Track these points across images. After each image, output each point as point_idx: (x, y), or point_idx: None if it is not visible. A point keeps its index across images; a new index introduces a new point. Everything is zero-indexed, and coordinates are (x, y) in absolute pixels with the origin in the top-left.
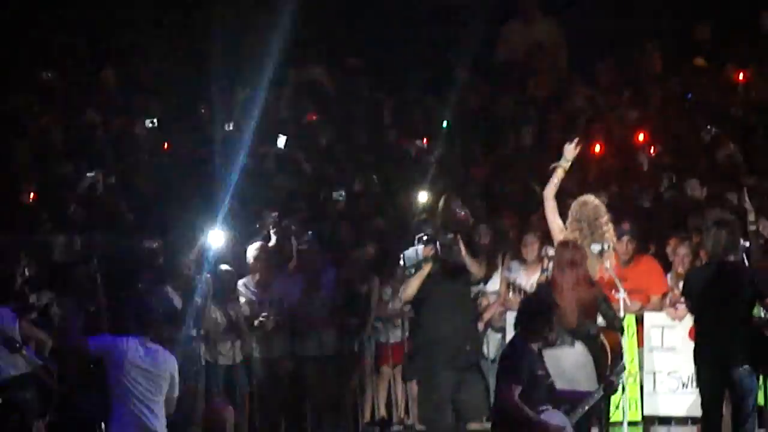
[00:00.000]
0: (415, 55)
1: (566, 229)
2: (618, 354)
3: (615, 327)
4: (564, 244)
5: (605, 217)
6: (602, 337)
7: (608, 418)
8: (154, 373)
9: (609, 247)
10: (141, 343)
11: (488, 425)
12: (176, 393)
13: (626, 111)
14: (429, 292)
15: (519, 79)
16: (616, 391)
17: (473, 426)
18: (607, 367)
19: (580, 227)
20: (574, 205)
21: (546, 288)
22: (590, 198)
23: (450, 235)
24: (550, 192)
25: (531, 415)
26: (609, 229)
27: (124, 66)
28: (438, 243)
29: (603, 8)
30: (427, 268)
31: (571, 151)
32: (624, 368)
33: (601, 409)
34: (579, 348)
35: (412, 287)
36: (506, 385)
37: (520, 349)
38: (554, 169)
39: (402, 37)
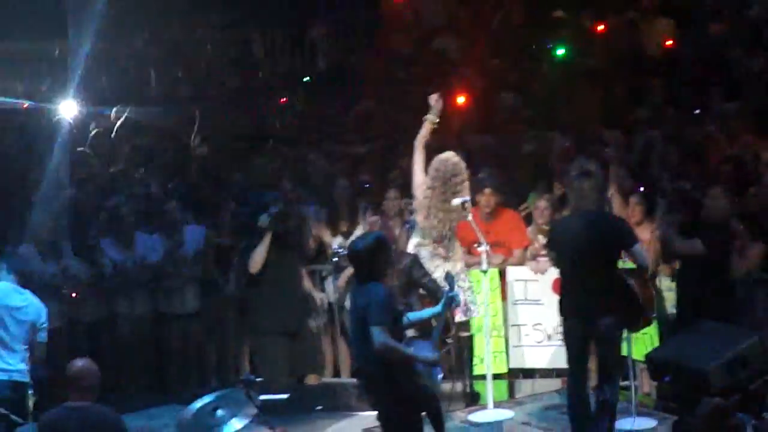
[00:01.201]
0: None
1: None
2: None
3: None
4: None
5: (462, 175)
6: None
7: (472, 371)
8: (21, 318)
9: (469, 200)
10: (11, 287)
11: (329, 380)
12: (44, 339)
13: (487, 62)
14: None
15: (381, 35)
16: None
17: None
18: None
19: (434, 185)
20: (434, 162)
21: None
22: (450, 155)
23: (282, 205)
24: (419, 142)
25: (408, 352)
26: (465, 188)
27: None
28: (272, 211)
29: None
30: (267, 238)
31: (435, 102)
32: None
33: (464, 363)
34: None
35: (258, 255)
36: (378, 329)
37: (379, 292)
38: (424, 121)
39: None
